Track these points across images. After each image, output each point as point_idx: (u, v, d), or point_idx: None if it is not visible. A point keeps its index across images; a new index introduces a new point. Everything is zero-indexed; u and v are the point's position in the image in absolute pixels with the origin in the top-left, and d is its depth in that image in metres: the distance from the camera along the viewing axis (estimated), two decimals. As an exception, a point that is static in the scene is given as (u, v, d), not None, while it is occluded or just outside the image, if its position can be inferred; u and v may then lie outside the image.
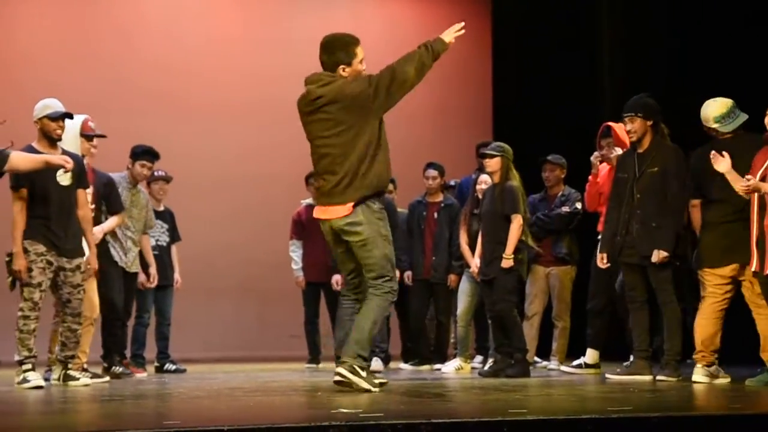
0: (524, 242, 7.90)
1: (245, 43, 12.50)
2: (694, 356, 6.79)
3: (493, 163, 7.93)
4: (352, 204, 5.93)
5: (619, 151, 7.84)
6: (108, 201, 8.08)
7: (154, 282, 8.88)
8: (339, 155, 5.94)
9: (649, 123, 7.19)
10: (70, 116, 7.02)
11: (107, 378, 7.73)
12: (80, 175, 7.01)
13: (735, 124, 6.75)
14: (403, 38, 12.85)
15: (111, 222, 8.07)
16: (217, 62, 12.31)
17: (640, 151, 7.23)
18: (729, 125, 6.76)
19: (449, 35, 6.13)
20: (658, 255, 6.99)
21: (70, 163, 6.55)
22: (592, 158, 8.30)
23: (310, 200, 9.89)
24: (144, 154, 8.69)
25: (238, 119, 12.23)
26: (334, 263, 8.25)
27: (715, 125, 6.81)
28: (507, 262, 7.79)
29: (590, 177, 8.36)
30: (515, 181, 7.92)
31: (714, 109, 6.82)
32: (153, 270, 8.94)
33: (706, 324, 6.74)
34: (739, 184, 6.23)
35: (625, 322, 7.93)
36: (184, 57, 12.19)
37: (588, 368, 8.34)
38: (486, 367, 8.32)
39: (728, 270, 6.68)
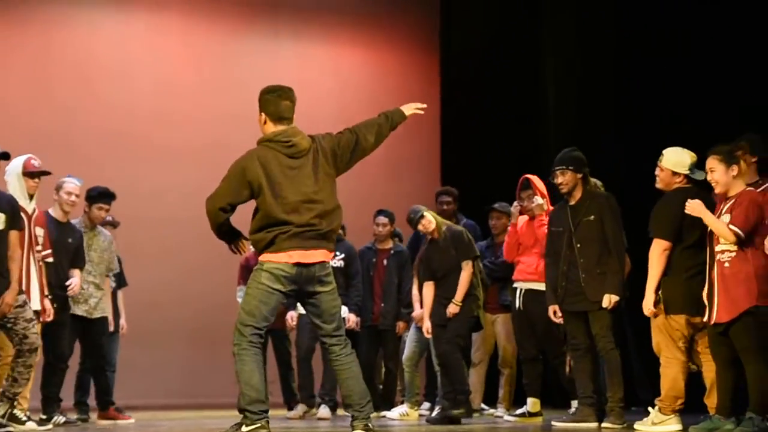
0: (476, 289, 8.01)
1: (194, 85, 12.49)
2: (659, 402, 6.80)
3: (426, 222, 8.25)
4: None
5: (539, 200, 8.16)
6: (76, 254, 8.15)
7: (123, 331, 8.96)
8: (327, 203, 5.89)
9: (579, 175, 7.40)
10: (6, 156, 7.00)
11: (50, 426, 7.63)
12: (13, 217, 6.92)
13: (703, 175, 6.83)
14: (350, 82, 13.01)
15: (77, 278, 8.11)
16: (165, 103, 12.27)
17: (572, 203, 7.42)
18: (699, 175, 6.82)
19: (409, 109, 6.19)
20: (609, 299, 7.09)
21: None
22: (512, 208, 8.48)
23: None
24: (100, 196, 8.64)
25: (185, 160, 12.17)
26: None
27: (687, 172, 6.88)
28: (454, 308, 7.88)
29: (510, 227, 8.51)
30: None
31: (688, 156, 6.90)
32: (123, 321, 9.00)
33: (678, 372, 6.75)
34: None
35: (561, 369, 8.09)
36: (134, 98, 12.14)
37: (532, 416, 8.38)
38: (434, 414, 8.34)
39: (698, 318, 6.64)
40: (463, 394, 7.91)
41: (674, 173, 6.85)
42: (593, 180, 7.54)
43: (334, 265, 9.04)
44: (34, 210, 7.57)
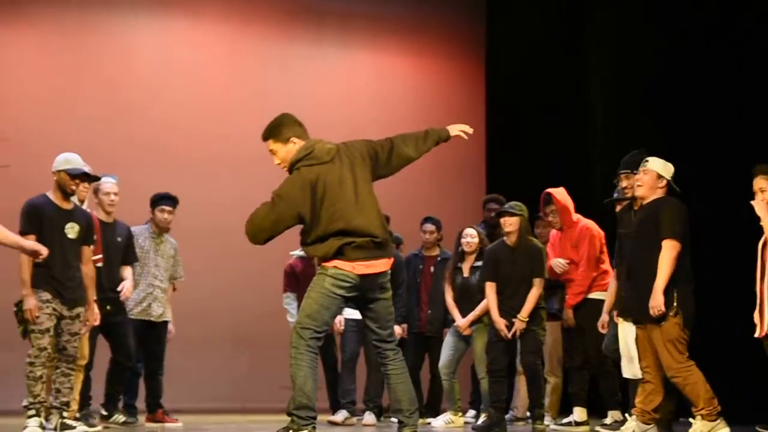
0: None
1: (236, 95, 12.56)
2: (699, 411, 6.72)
3: (513, 222, 7.94)
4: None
5: (559, 263, 8.34)
6: (126, 252, 8.31)
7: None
8: (376, 209, 5.94)
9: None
10: (89, 177, 7.17)
11: (101, 426, 7.73)
12: (87, 232, 7.14)
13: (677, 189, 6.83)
14: (395, 90, 13.04)
15: (129, 280, 8.23)
16: (206, 112, 12.32)
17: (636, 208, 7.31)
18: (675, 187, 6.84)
19: (455, 130, 6.18)
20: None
21: (42, 255, 6.50)
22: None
23: (300, 251, 9.91)
24: (161, 199, 8.77)
25: (227, 170, 12.25)
26: None
27: (670, 178, 6.83)
28: (521, 324, 7.80)
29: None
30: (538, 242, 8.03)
31: (671, 166, 6.87)
32: (171, 326, 9.12)
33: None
34: None
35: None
36: (173, 107, 12.19)
37: (578, 425, 8.35)
38: (479, 422, 8.34)
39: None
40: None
41: (659, 177, 6.76)
42: None
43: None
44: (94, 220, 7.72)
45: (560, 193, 8.50)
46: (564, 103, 12.02)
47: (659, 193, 6.73)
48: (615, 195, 7.93)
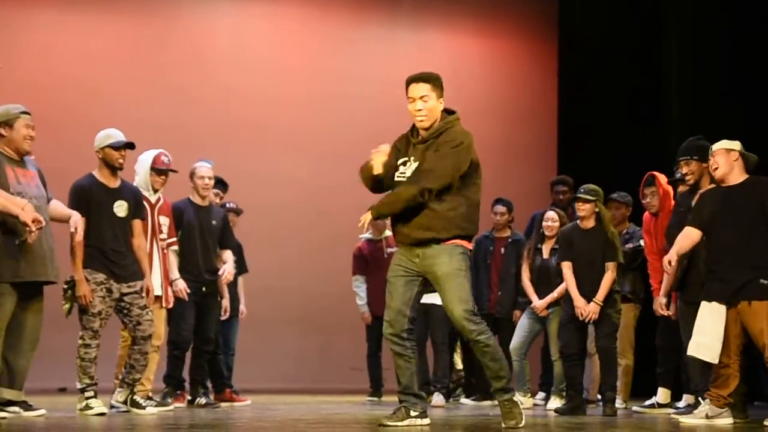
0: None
1: (309, 78, 12.62)
2: None
3: (587, 208, 7.86)
4: None
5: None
6: (224, 235, 8.41)
7: (226, 315, 8.79)
8: None
9: (705, 165, 7.03)
10: (132, 146, 7.14)
11: (172, 406, 7.78)
12: (136, 207, 7.13)
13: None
14: (468, 72, 12.97)
15: (230, 263, 8.36)
16: (283, 91, 12.49)
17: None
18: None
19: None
20: None
21: (33, 232, 6.17)
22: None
23: (369, 234, 9.94)
24: (216, 184, 8.77)
25: (303, 156, 12.36)
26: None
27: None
28: (595, 308, 7.71)
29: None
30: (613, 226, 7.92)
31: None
32: (243, 306, 9.20)
33: None
34: None
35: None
36: (252, 86, 12.36)
37: (660, 407, 8.27)
38: (555, 405, 8.30)
39: None
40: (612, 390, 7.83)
41: (729, 151, 6.60)
42: None
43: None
44: (158, 199, 7.76)
45: (664, 178, 8.35)
46: (639, 85, 11.85)
47: (738, 169, 6.59)
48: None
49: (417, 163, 5.75)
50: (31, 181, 6.54)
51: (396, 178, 5.82)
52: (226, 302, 8.76)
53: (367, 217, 5.71)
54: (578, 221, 7.95)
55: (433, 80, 5.84)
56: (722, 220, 6.55)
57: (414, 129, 5.92)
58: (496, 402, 8.94)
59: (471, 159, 5.77)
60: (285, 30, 12.72)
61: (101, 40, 11.96)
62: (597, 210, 7.83)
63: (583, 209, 7.84)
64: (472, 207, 5.82)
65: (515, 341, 8.92)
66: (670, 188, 8.25)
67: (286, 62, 12.61)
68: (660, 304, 7.77)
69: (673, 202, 8.19)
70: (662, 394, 8.33)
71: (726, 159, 6.59)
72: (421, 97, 5.78)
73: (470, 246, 5.86)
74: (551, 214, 8.89)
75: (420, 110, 5.78)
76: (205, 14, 12.52)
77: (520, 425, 5.66)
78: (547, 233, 8.88)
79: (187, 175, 8.39)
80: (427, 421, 5.81)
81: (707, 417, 6.57)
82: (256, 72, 12.44)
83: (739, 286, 6.35)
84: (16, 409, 6.43)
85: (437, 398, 9.17)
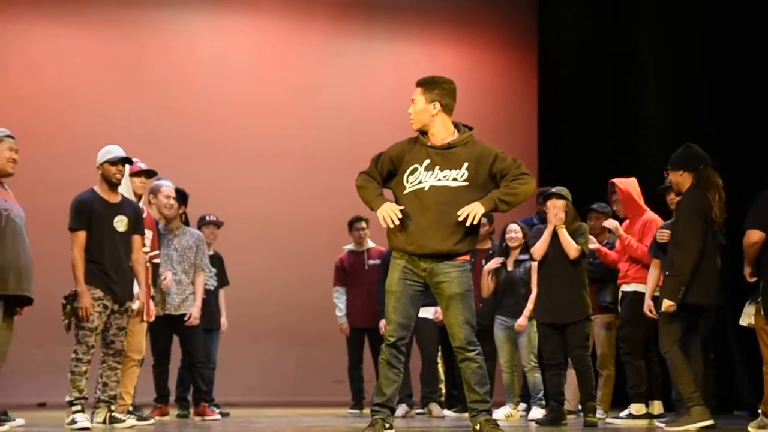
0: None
1: (287, 90, 12.63)
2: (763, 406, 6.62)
3: (558, 205, 7.87)
4: None
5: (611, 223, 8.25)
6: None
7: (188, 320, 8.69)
8: None
9: (689, 173, 7.13)
10: (130, 161, 7.18)
11: (152, 420, 7.76)
12: (136, 223, 7.15)
13: None
14: (448, 85, 12.99)
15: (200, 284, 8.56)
16: (260, 103, 12.46)
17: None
18: None
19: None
20: (664, 304, 7.02)
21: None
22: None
23: (352, 246, 9.95)
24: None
25: (282, 168, 12.37)
26: (380, 308, 8.30)
27: None
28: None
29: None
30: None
31: None
32: (224, 319, 9.35)
33: None
34: None
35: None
36: (229, 98, 12.35)
37: (635, 418, 8.26)
38: (537, 415, 8.30)
39: None
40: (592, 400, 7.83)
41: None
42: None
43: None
44: (141, 210, 7.73)
45: (625, 183, 8.42)
46: (618, 95, 11.90)
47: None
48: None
49: (450, 170, 5.75)
50: (13, 201, 6.64)
51: (418, 184, 5.76)
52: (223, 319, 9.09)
53: (478, 209, 5.67)
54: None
55: (426, 84, 5.94)
56: None
57: (425, 134, 5.90)
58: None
59: None
60: (262, 42, 12.73)
61: (72, 55, 11.93)
62: (567, 210, 7.86)
63: (556, 205, 7.86)
64: None
65: (504, 356, 8.92)
66: (633, 191, 8.34)
67: (263, 74, 12.61)
68: (649, 306, 7.72)
69: (642, 202, 8.28)
70: (636, 407, 8.33)
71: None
72: (412, 100, 5.88)
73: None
74: (513, 226, 8.94)
75: (410, 113, 5.89)
76: (184, 27, 12.52)
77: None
78: (510, 245, 8.90)
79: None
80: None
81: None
82: (234, 84, 12.45)
83: None
84: None
85: (437, 409, 9.19)
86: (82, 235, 6.90)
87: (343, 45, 12.96)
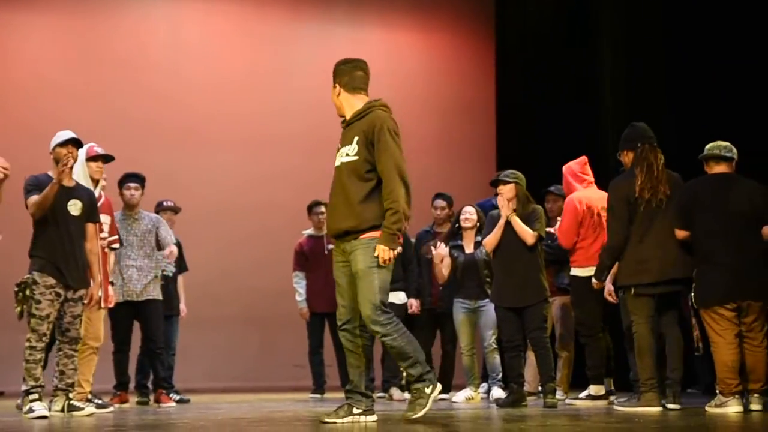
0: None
1: (246, 74, 12.58)
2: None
3: (507, 190, 7.89)
4: None
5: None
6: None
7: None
8: None
9: (631, 152, 7.21)
10: (80, 144, 7.08)
11: (112, 408, 7.72)
12: (90, 209, 7.07)
13: None
14: (405, 68, 13.00)
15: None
16: (218, 90, 12.41)
17: None
18: None
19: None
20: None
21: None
22: None
23: (311, 231, 9.94)
24: (126, 177, 8.74)
25: (240, 151, 12.32)
26: None
27: None
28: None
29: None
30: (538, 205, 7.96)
31: None
32: (183, 305, 9.37)
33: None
34: None
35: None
36: (185, 89, 12.28)
37: (594, 399, 8.32)
38: (505, 397, 8.35)
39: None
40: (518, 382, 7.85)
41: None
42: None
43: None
44: (99, 196, 7.66)
45: (566, 165, 8.51)
46: (575, 78, 11.96)
47: None
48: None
49: (346, 147, 5.73)
50: None
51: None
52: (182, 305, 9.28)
53: (382, 250, 5.60)
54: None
55: (334, 71, 5.97)
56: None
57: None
58: (440, 396, 9.03)
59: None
60: (221, 24, 12.67)
61: (28, 37, 11.81)
62: (518, 194, 7.86)
63: (503, 191, 7.85)
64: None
65: (465, 339, 8.93)
66: (569, 174, 8.53)
67: (221, 56, 12.55)
68: (609, 290, 7.75)
69: (576, 182, 8.39)
70: (595, 388, 8.39)
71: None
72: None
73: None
74: (469, 208, 8.98)
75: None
76: (144, 15, 12.41)
77: (416, 416, 5.62)
78: (464, 225, 8.90)
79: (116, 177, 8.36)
80: (373, 417, 5.78)
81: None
82: (191, 66, 12.39)
83: None
84: None
85: (397, 392, 9.22)
86: (33, 198, 6.78)
87: (303, 29, 12.92)
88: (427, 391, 5.66)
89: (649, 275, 6.96)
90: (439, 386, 5.77)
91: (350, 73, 5.93)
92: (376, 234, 5.62)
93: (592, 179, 8.63)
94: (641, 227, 6.96)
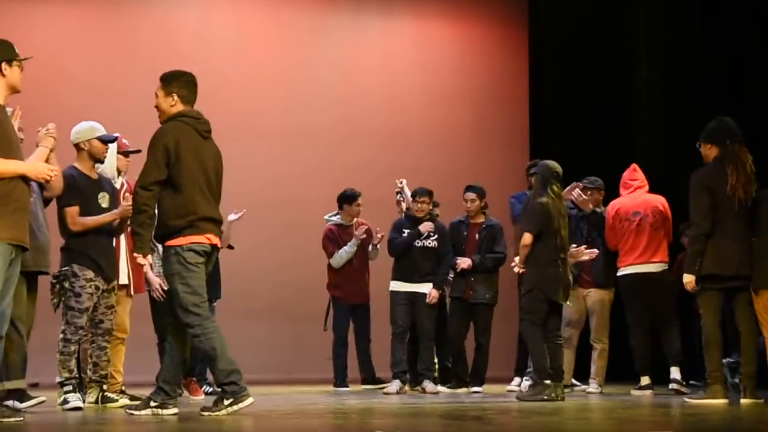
0: (556, 262, 7.73)
1: (279, 67, 12.51)
2: None
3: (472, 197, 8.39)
4: None
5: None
6: None
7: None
8: None
9: (712, 146, 7.21)
10: (116, 140, 7.21)
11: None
12: (115, 201, 7.09)
13: None
14: (436, 57, 12.91)
15: None
16: (250, 80, 12.33)
17: None
18: None
19: None
20: None
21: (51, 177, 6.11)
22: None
23: (339, 219, 9.88)
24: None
25: (272, 145, 12.25)
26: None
27: None
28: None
29: None
30: (546, 198, 7.80)
31: None
32: None
33: None
34: None
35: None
36: (217, 78, 12.19)
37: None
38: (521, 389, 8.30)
39: None
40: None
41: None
42: None
43: (428, 245, 9.06)
44: (122, 184, 7.65)
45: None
46: (609, 68, 11.84)
47: None
48: None
49: None
50: None
51: None
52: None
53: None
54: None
55: (164, 80, 6.56)
56: None
57: None
58: (471, 389, 8.98)
59: (166, 151, 6.18)
60: (252, 18, 12.59)
61: (55, 32, 11.77)
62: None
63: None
64: (179, 198, 6.08)
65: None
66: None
67: (253, 51, 12.48)
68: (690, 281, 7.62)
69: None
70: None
71: None
72: (156, 96, 6.50)
73: (195, 239, 6.03)
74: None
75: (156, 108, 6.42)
76: (174, 5, 12.38)
77: (211, 415, 5.96)
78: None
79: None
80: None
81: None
82: (223, 61, 12.29)
83: None
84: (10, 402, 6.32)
85: (430, 385, 9.12)
86: (75, 210, 6.80)
87: (334, 20, 12.83)
88: (229, 399, 6.12)
89: (726, 268, 7.01)
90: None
91: (189, 87, 6.65)
92: (170, 242, 5.97)
93: (641, 183, 8.79)
94: (723, 222, 7.01)
